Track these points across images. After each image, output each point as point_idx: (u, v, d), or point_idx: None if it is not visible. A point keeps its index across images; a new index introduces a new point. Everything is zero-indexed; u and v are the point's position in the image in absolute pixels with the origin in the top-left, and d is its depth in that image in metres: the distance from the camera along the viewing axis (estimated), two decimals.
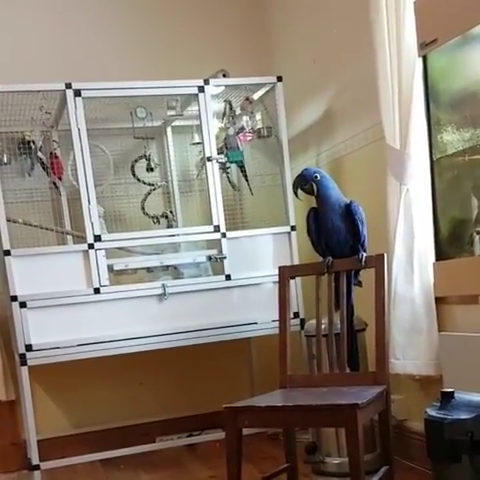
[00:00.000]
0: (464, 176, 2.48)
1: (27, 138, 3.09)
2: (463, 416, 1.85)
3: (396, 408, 2.64)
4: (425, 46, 2.15)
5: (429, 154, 2.53)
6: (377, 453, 2.66)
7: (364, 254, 2.46)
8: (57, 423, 3.41)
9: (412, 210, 2.51)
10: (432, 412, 1.94)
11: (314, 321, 2.60)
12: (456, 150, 2.44)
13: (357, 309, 2.64)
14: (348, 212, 2.50)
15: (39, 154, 3.11)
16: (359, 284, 2.59)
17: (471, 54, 2.28)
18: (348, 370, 2.47)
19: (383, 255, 2.40)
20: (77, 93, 2.91)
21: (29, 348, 2.87)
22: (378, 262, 2.40)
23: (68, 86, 2.90)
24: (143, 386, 3.52)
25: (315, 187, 2.48)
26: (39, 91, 2.90)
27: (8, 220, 2.92)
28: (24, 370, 2.88)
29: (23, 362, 2.87)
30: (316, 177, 2.48)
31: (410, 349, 2.53)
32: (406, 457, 2.70)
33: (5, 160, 3.08)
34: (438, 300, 2.51)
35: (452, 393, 1.95)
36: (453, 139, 2.45)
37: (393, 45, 2.45)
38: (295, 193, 2.55)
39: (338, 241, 2.52)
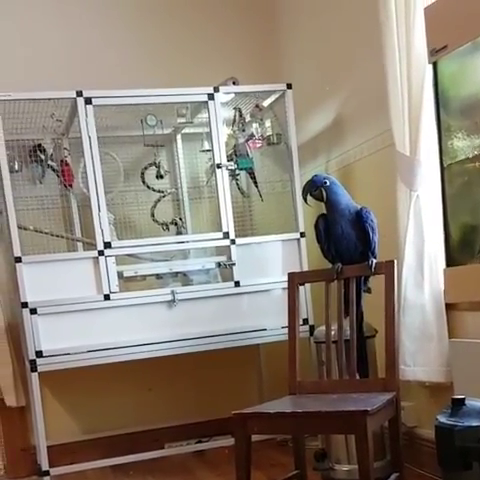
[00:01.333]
0: (474, 182, 2.48)
1: (38, 146, 3.11)
2: (474, 423, 1.84)
3: (406, 415, 2.64)
4: (435, 53, 2.15)
5: (439, 160, 2.53)
6: (387, 460, 2.65)
7: (374, 260, 2.46)
8: (67, 429, 3.42)
9: (422, 216, 2.51)
10: (443, 419, 1.93)
11: (323, 327, 2.60)
12: (466, 156, 2.44)
13: (367, 315, 2.64)
14: (358, 218, 2.50)
15: (50, 162, 3.13)
16: (368, 291, 2.59)
17: None
18: (357, 377, 2.47)
19: (393, 261, 2.41)
20: (88, 101, 2.93)
21: (39, 354, 2.88)
22: (388, 268, 2.41)
23: (79, 94, 2.93)
24: (152, 392, 3.52)
25: (324, 193, 2.50)
26: (50, 99, 2.93)
27: (19, 227, 2.94)
28: (34, 376, 2.90)
29: (33, 368, 2.89)
30: (325, 183, 2.49)
31: (420, 355, 2.53)
32: (416, 464, 2.69)
33: (16, 167, 3.09)
34: (448, 306, 2.51)
35: (463, 400, 1.94)
36: (463, 145, 2.45)
37: (403, 51, 2.46)
38: (304, 199, 2.56)
39: (348, 248, 2.52)
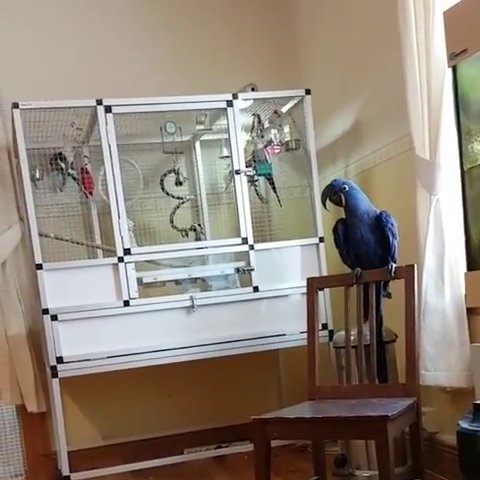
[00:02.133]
0: None
1: (59, 154, 3.14)
2: None
3: (427, 420, 2.62)
4: (455, 56, 2.15)
5: (460, 164, 2.52)
6: (408, 466, 2.63)
7: (394, 265, 2.45)
8: (87, 434, 3.43)
9: (442, 220, 2.50)
10: (464, 424, 1.93)
11: (343, 332, 2.59)
12: None
13: (387, 320, 2.63)
14: (378, 223, 2.50)
15: (70, 171, 3.16)
16: (388, 296, 2.58)
17: None
18: (377, 382, 2.46)
19: (413, 266, 2.40)
20: (108, 109, 2.96)
21: (60, 360, 2.91)
22: (408, 273, 2.40)
23: (99, 102, 2.95)
24: (172, 398, 3.53)
25: (343, 198, 2.50)
26: (70, 107, 2.96)
27: (40, 235, 2.97)
28: (55, 382, 2.92)
29: (54, 374, 2.91)
30: (344, 188, 2.50)
31: (441, 360, 2.51)
32: (437, 470, 2.66)
33: (37, 176, 3.12)
34: (470, 311, 2.49)
35: None
36: None
37: (422, 55, 2.45)
38: (323, 203, 2.57)
39: (367, 252, 2.52)
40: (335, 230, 2.60)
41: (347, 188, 2.50)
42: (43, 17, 3.42)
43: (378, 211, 2.53)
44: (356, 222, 2.51)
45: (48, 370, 2.99)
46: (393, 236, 2.50)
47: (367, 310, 2.46)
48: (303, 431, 2.29)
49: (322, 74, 3.46)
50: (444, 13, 2.26)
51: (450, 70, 2.41)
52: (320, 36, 3.48)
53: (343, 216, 2.58)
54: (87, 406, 3.46)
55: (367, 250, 2.52)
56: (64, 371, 2.91)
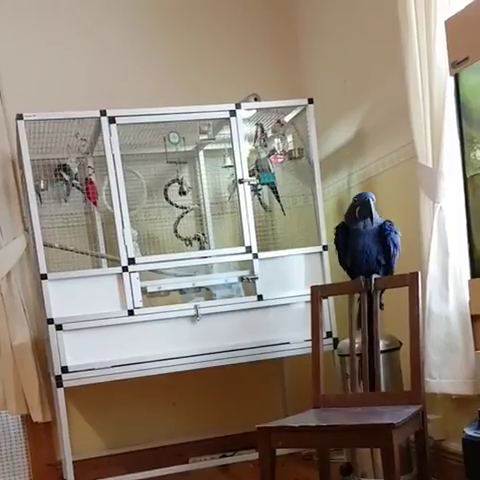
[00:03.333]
0: None
1: (63, 165, 3.16)
2: None
3: (433, 428, 2.61)
4: (456, 65, 2.16)
5: (462, 172, 2.53)
6: (414, 474, 2.62)
7: (374, 276, 2.48)
8: (92, 444, 3.44)
9: (446, 228, 2.51)
10: (470, 432, 1.93)
11: (347, 340, 2.60)
12: None
13: (391, 328, 2.63)
14: (381, 232, 2.51)
15: (74, 181, 3.17)
16: (381, 306, 2.58)
17: None
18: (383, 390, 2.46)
19: (417, 273, 2.41)
20: (111, 120, 2.97)
21: (65, 370, 2.90)
22: (412, 280, 2.41)
23: (103, 113, 2.96)
24: (176, 406, 3.53)
25: (373, 210, 2.54)
26: (74, 119, 2.97)
27: (45, 245, 2.98)
28: (60, 392, 2.91)
29: (59, 384, 2.90)
30: (372, 199, 2.55)
31: (446, 368, 2.51)
32: (443, 478, 2.66)
33: (42, 186, 3.14)
34: (474, 318, 2.49)
35: None
36: None
37: (424, 64, 2.47)
38: (356, 218, 2.57)
39: (368, 260, 2.53)
40: (336, 233, 2.62)
41: (372, 200, 2.54)
42: (47, 29, 3.44)
43: (382, 220, 2.55)
44: (365, 232, 2.53)
45: (53, 380, 2.99)
46: (394, 246, 2.52)
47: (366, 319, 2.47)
48: (308, 439, 2.29)
49: (325, 83, 3.48)
50: (446, 22, 2.27)
51: (452, 78, 2.42)
52: (323, 46, 3.50)
53: (343, 221, 2.59)
54: (92, 415, 3.46)
55: (368, 258, 2.53)
56: (69, 381, 2.91)
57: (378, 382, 2.46)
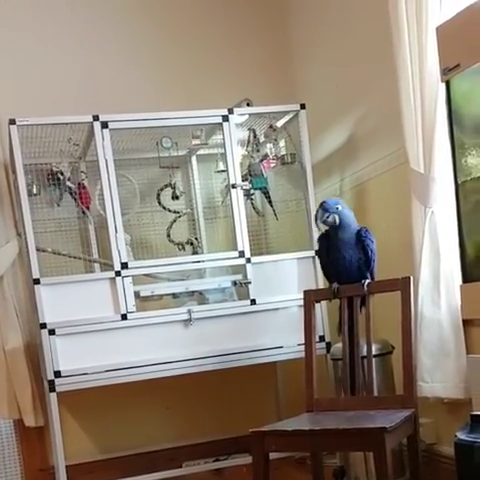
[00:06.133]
0: None
1: (55, 169, 3.16)
2: None
3: (425, 432, 2.63)
4: (448, 71, 2.18)
5: (454, 178, 2.55)
6: (406, 477, 2.64)
7: (368, 281, 2.51)
8: (85, 448, 3.43)
9: (437, 232, 2.53)
10: (462, 436, 1.94)
11: (340, 344, 2.61)
12: None
13: (384, 332, 2.65)
14: (358, 238, 2.53)
15: (68, 183, 3.17)
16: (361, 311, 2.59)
17: None
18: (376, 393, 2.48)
19: (409, 278, 2.43)
20: (104, 125, 2.97)
21: (58, 374, 2.90)
22: (404, 285, 2.42)
23: (95, 118, 2.96)
24: (169, 411, 3.53)
25: (337, 218, 2.51)
26: (67, 123, 2.97)
27: (38, 249, 2.98)
28: (53, 396, 2.91)
29: (52, 388, 2.90)
30: (338, 208, 2.51)
31: (438, 372, 2.53)
32: None
33: (35, 191, 3.14)
34: (466, 322, 2.51)
35: None
36: (477, 162, 2.47)
37: (415, 70, 2.49)
38: (318, 227, 2.58)
39: (348, 267, 2.55)
40: (319, 243, 2.65)
41: (340, 208, 2.51)
42: (40, 33, 3.45)
43: (358, 227, 2.56)
44: (344, 239, 2.54)
45: (46, 384, 2.99)
46: (372, 252, 2.53)
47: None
48: (302, 443, 2.30)
49: (317, 89, 3.50)
50: (437, 28, 2.29)
51: (444, 85, 2.44)
52: (315, 51, 3.52)
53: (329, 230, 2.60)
54: (85, 420, 3.46)
55: (349, 266, 2.55)
56: (62, 385, 2.90)
57: (370, 386, 2.47)
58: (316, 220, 2.55)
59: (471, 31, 2.10)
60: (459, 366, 2.49)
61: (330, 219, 2.50)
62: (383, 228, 2.78)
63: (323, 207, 2.51)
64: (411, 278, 2.42)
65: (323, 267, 2.68)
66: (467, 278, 2.57)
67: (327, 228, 2.58)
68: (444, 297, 2.53)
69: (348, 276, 2.55)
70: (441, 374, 2.52)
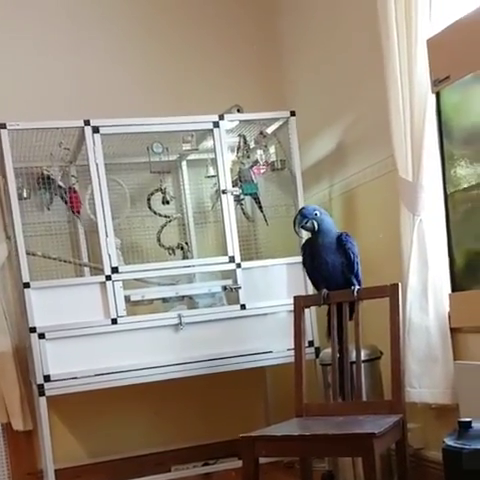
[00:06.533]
0: (478, 209, 2.53)
1: (46, 173, 3.15)
2: None
3: (413, 436, 2.66)
4: (438, 83, 2.21)
5: (443, 188, 2.58)
6: None
7: (357, 287, 2.54)
8: (73, 452, 3.42)
9: (425, 240, 2.56)
10: (450, 442, 1.93)
11: (329, 350, 2.64)
12: (469, 184, 2.50)
13: (372, 338, 2.68)
14: (339, 243, 2.56)
15: (60, 183, 3.16)
16: (351, 318, 2.62)
17: None
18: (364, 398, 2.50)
19: (397, 285, 2.45)
20: (95, 130, 2.97)
21: (47, 379, 2.90)
22: (393, 291, 2.45)
23: (87, 123, 2.97)
24: (158, 415, 3.53)
25: (316, 224, 2.56)
26: (58, 128, 2.97)
27: (27, 253, 2.97)
28: (42, 400, 2.90)
29: (41, 393, 2.90)
30: (316, 214, 2.56)
31: (426, 378, 2.56)
32: None
33: (25, 195, 3.14)
34: (453, 329, 2.55)
35: (470, 422, 1.96)
36: (466, 173, 2.51)
37: (405, 80, 2.52)
38: (296, 232, 2.63)
39: (333, 273, 2.59)
40: (303, 250, 2.68)
41: (319, 214, 2.56)
42: (31, 37, 3.44)
43: (339, 232, 2.60)
44: (324, 246, 2.58)
45: (35, 388, 2.98)
46: (354, 254, 2.57)
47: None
48: (291, 448, 2.31)
49: (307, 96, 3.52)
50: (428, 41, 2.31)
51: (434, 96, 2.47)
52: (305, 59, 3.54)
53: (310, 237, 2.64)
54: (73, 423, 3.45)
55: (333, 271, 2.59)
56: (51, 389, 2.90)
57: (359, 391, 2.49)
58: (294, 225, 2.61)
59: (461, 44, 2.13)
60: (446, 372, 2.52)
61: (308, 225, 2.56)
62: (379, 238, 2.81)
63: (302, 213, 2.58)
64: (399, 285, 2.45)
65: (309, 274, 2.71)
66: (456, 287, 2.61)
67: (309, 235, 2.64)
68: (432, 304, 2.56)
69: (334, 281, 2.59)
70: (429, 380, 2.55)
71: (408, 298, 2.58)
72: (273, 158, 3.25)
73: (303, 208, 2.61)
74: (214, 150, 3.11)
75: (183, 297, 3.20)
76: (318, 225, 2.56)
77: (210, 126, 3.10)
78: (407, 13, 2.48)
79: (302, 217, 2.56)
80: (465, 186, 2.52)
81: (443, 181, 2.57)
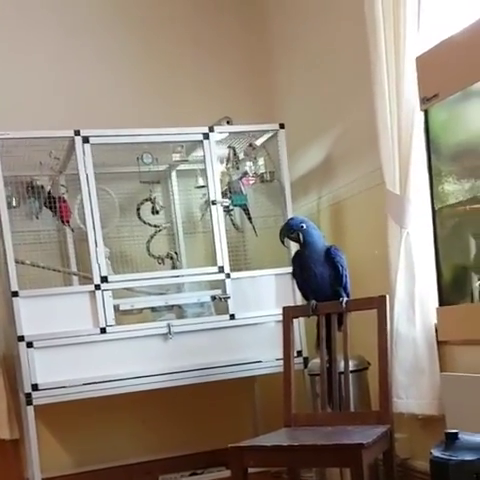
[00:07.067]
0: (465, 225, 2.58)
1: (35, 182, 3.16)
2: (468, 457, 1.86)
3: (400, 447, 2.68)
4: (427, 101, 2.24)
5: (431, 204, 2.62)
6: None
7: (345, 299, 2.57)
8: (60, 461, 3.41)
9: (413, 253, 2.59)
10: (437, 453, 1.94)
11: (318, 360, 2.66)
12: (457, 200, 2.54)
13: (360, 349, 2.71)
14: (328, 256, 2.60)
15: (49, 190, 3.16)
16: (339, 329, 2.64)
17: (471, 109, 2.40)
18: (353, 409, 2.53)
19: (385, 296, 2.48)
20: (85, 140, 2.98)
21: (35, 387, 2.89)
22: (380, 303, 2.48)
23: (77, 133, 2.97)
24: (146, 424, 3.52)
25: (301, 236, 2.60)
26: (49, 138, 2.98)
27: (16, 262, 2.97)
28: (30, 409, 2.89)
29: (29, 402, 2.89)
30: (302, 226, 2.60)
31: (413, 389, 2.59)
32: None
33: (14, 203, 3.13)
34: (440, 342, 2.58)
35: (456, 434, 1.97)
36: (454, 189, 2.55)
37: (393, 95, 2.55)
38: (282, 242, 2.67)
39: (321, 285, 2.62)
40: (293, 262, 2.71)
41: (305, 226, 2.60)
42: (21, 46, 3.44)
43: (327, 245, 2.64)
44: (312, 258, 2.62)
45: (22, 397, 2.97)
46: (342, 267, 2.61)
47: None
48: (280, 459, 2.32)
49: (296, 108, 3.54)
50: (417, 58, 2.35)
51: (422, 113, 2.50)
52: (295, 72, 3.56)
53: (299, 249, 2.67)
54: (60, 433, 3.44)
55: (322, 284, 2.62)
56: (39, 398, 2.89)
57: (347, 401, 2.52)
58: (280, 236, 2.64)
59: (450, 62, 2.17)
60: (433, 383, 2.55)
61: (293, 235, 2.61)
62: (367, 250, 2.84)
63: (288, 224, 2.64)
64: (387, 297, 2.48)
65: (299, 285, 2.75)
66: (443, 301, 2.64)
67: (298, 246, 2.67)
68: (419, 315, 2.59)
69: (322, 292, 2.63)
70: (416, 391, 2.58)
71: (395, 310, 2.61)
72: (262, 170, 3.27)
73: (290, 219, 2.66)
74: (204, 161, 3.13)
75: (172, 306, 3.21)
76: (303, 237, 2.59)
77: (200, 137, 3.13)
78: (396, 30, 2.51)
79: (288, 227, 2.62)
80: (452, 202, 2.56)
81: (431, 196, 2.61)
